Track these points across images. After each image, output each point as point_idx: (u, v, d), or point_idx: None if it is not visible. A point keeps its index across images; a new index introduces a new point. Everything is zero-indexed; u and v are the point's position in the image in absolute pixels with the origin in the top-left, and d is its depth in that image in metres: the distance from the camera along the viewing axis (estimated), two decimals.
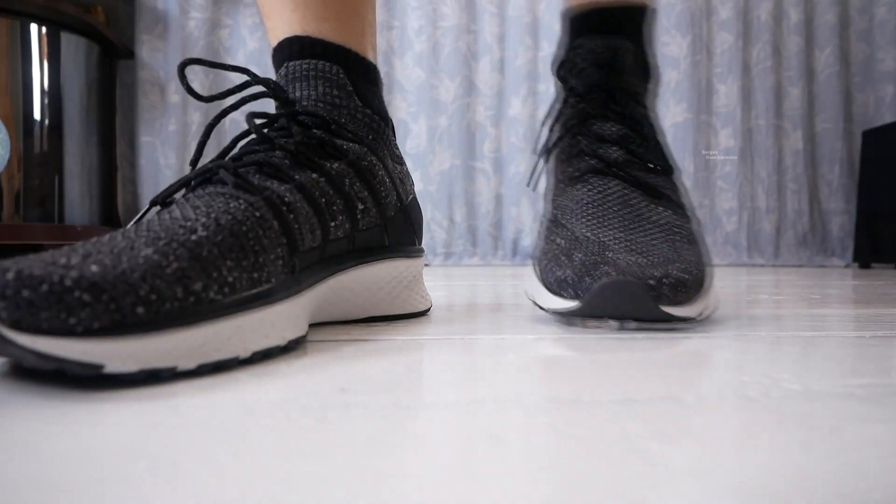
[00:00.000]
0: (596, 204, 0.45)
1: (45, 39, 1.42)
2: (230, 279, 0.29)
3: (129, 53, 1.71)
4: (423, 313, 0.49)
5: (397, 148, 0.47)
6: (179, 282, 0.27)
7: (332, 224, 0.37)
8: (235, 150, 0.37)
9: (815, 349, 0.34)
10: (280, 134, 0.38)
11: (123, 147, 1.78)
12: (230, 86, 0.41)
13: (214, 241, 0.29)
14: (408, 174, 0.47)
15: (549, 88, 1.88)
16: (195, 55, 1.74)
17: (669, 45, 1.91)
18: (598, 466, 0.16)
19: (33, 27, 1.39)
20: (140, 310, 0.25)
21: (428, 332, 0.40)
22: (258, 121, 0.38)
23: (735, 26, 1.94)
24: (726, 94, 1.96)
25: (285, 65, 0.42)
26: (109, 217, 1.64)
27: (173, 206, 0.32)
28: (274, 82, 0.40)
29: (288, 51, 0.42)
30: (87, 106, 1.53)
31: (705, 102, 1.94)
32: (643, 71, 0.50)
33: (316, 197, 0.36)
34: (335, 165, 0.38)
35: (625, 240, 0.42)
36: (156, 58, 1.74)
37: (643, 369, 0.28)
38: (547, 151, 0.50)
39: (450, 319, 0.46)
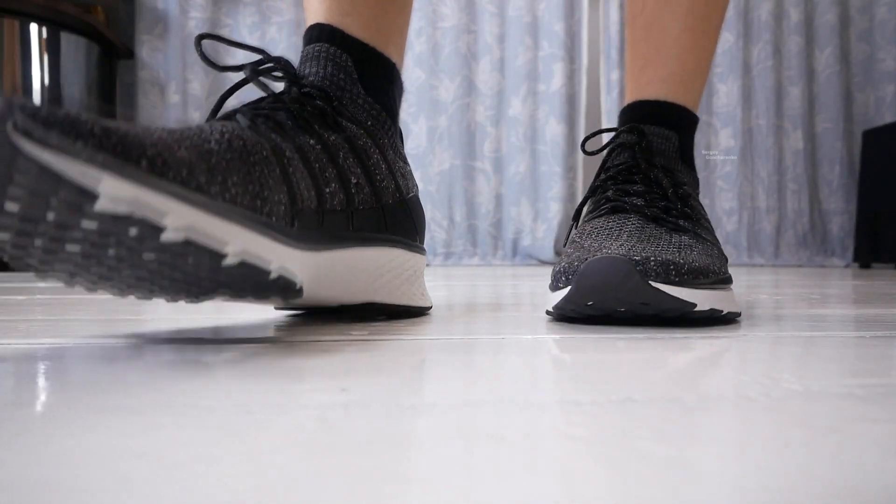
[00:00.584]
0: (612, 228, 0.46)
1: (45, 39, 1.42)
2: (234, 191, 0.30)
3: (129, 53, 1.71)
4: (424, 311, 0.49)
5: (401, 148, 0.48)
6: (184, 165, 0.27)
7: (327, 190, 0.38)
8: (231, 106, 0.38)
9: (815, 349, 0.34)
10: (285, 98, 0.40)
11: None
12: (231, 85, 0.43)
13: (224, 156, 0.30)
14: (410, 174, 0.49)
15: (548, 88, 1.88)
16: (195, 55, 1.74)
17: None
18: (598, 466, 0.16)
19: (33, 27, 1.39)
20: (144, 163, 0.25)
21: (428, 332, 0.40)
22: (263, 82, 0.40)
23: (735, 26, 1.94)
24: (726, 94, 1.96)
25: (304, 48, 0.46)
26: None
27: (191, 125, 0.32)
28: (284, 59, 0.41)
29: (308, 35, 0.46)
30: (87, 106, 1.53)
31: (705, 102, 1.94)
32: (683, 160, 0.53)
33: (311, 160, 0.37)
34: (331, 137, 0.40)
35: (629, 246, 0.42)
36: (156, 58, 1.74)
37: (643, 369, 0.28)
38: (578, 214, 0.52)
39: (450, 319, 0.46)
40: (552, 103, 1.87)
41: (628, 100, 0.56)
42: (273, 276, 0.31)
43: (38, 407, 0.22)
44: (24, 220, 0.25)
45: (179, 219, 0.26)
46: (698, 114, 0.57)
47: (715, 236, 0.49)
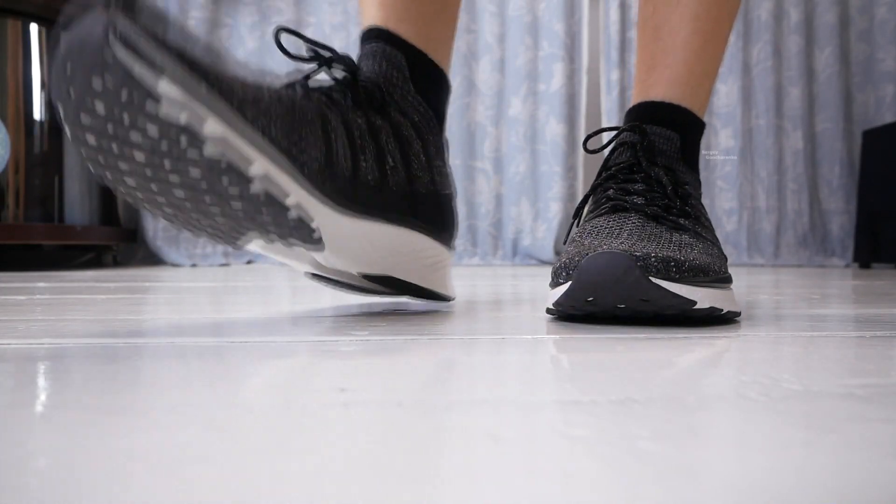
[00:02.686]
0: (612, 226, 0.46)
1: (45, 39, 1.42)
2: (274, 132, 0.34)
3: None
4: (444, 299, 0.52)
5: (444, 151, 0.52)
6: (239, 83, 0.33)
7: (363, 163, 0.42)
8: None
9: (815, 349, 0.34)
10: (341, 84, 0.45)
11: None
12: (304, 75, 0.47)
13: (273, 103, 0.35)
14: (448, 177, 0.52)
15: (549, 88, 1.88)
16: None
17: None
18: (598, 466, 0.16)
19: (33, 27, 1.39)
20: (205, 83, 0.31)
21: (428, 332, 0.40)
22: (323, 77, 0.45)
23: (735, 26, 1.94)
24: (726, 94, 1.96)
25: (362, 47, 0.50)
26: (109, 217, 1.64)
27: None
28: (347, 56, 0.46)
29: (365, 35, 0.51)
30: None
31: None
32: (686, 162, 0.53)
33: (353, 133, 0.42)
34: (377, 120, 0.45)
35: (629, 244, 0.42)
36: None
37: (643, 369, 0.28)
38: (578, 212, 0.53)
39: (450, 319, 0.46)
40: (552, 103, 1.87)
41: (634, 101, 0.56)
42: (292, 214, 0.35)
43: (38, 407, 0.22)
44: (106, 121, 0.29)
45: (216, 128, 0.31)
46: (703, 117, 0.57)
47: (715, 236, 0.49)
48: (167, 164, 0.31)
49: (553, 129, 1.87)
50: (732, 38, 1.94)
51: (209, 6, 1.76)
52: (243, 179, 0.33)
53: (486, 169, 1.90)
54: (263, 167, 0.33)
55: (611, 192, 0.49)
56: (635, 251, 0.38)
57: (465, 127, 1.89)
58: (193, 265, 1.66)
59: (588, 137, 0.54)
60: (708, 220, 0.50)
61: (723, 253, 0.47)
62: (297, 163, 0.36)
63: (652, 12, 0.56)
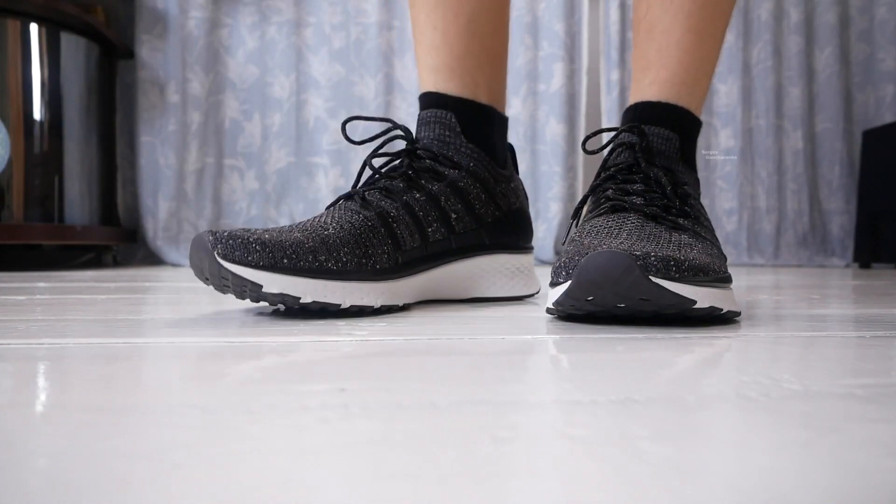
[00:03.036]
0: (611, 226, 0.46)
1: (45, 39, 1.42)
2: (344, 259, 0.46)
3: (129, 53, 1.71)
4: (527, 296, 0.61)
5: (508, 170, 0.61)
6: (311, 253, 0.45)
7: (430, 229, 0.53)
8: (366, 177, 0.55)
9: (815, 349, 0.34)
10: (400, 165, 0.55)
11: (123, 147, 1.78)
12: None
13: (338, 236, 0.47)
14: (515, 191, 0.61)
15: (549, 88, 1.88)
16: (195, 55, 1.74)
17: None
18: (598, 466, 0.16)
19: (33, 27, 1.39)
20: (285, 261, 0.44)
21: (428, 332, 0.40)
22: (381, 160, 0.58)
23: (735, 26, 1.94)
24: (726, 94, 1.95)
25: (420, 113, 0.60)
26: (109, 217, 1.64)
27: (323, 213, 0.50)
28: (405, 128, 0.56)
29: (423, 102, 0.60)
30: (87, 106, 1.53)
31: (705, 102, 1.94)
32: (684, 162, 0.54)
33: (416, 211, 0.52)
34: (434, 187, 0.54)
35: (629, 244, 0.42)
36: (156, 57, 1.74)
37: (643, 369, 0.28)
38: (577, 212, 0.53)
39: (450, 319, 0.46)
40: (552, 103, 1.87)
41: (631, 101, 0.56)
42: (376, 306, 0.48)
43: (38, 407, 0.22)
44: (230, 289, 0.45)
45: (307, 295, 0.44)
46: (700, 115, 0.57)
47: (714, 235, 0.49)
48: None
49: (553, 129, 1.87)
50: (732, 38, 1.94)
51: (209, 6, 1.76)
52: (333, 306, 0.45)
53: None
54: (342, 299, 0.46)
55: (610, 192, 0.49)
56: (635, 250, 0.38)
57: None
58: None
59: (587, 138, 0.54)
60: (707, 219, 0.50)
61: (722, 253, 0.47)
62: (367, 271, 0.48)
63: (645, 12, 0.56)
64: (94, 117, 1.56)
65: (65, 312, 0.50)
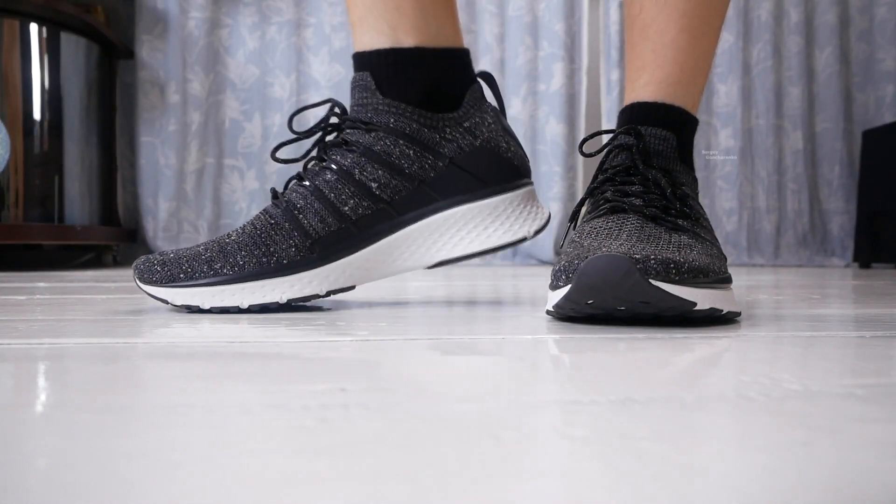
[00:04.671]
0: (611, 228, 0.46)
1: (45, 39, 1.41)
2: (241, 262, 0.49)
3: (129, 53, 1.71)
4: (519, 241, 0.54)
5: (460, 111, 0.54)
6: (206, 263, 0.49)
7: (346, 208, 0.51)
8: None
9: (815, 349, 0.34)
10: (313, 146, 0.54)
11: (123, 147, 1.78)
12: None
13: (237, 241, 0.50)
14: (472, 129, 0.54)
15: (549, 88, 1.88)
16: (195, 55, 1.74)
17: None
18: (598, 466, 0.16)
19: (33, 27, 1.39)
20: (181, 276, 0.49)
21: (428, 332, 0.40)
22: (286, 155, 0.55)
23: (735, 26, 1.94)
24: (726, 94, 1.95)
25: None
26: (109, 217, 1.64)
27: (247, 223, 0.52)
28: (341, 105, 0.55)
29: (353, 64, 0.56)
30: (87, 106, 1.53)
31: (705, 102, 1.94)
32: (682, 161, 0.53)
33: (326, 194, 0.51)
34: (347, 160, 0.52)
35: (629, 246, 0.42)
36: (156, 58, 1.74)
37: (643, 369, 0.28)
38: (575, 214, 0.53)
39: (450, 319, 0.46)
40: (552, 103, 1.87)
41: (627, 102, 0.56)
42: (281, 301, 0.50)
43: (38, 407, 0.22)
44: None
45: (206, 302, 0.49)
46: (698, 114, 0.57)
47: (714, 236, 0.49)
48: None
49: (553, 130, 1.87)
50: (732, 38, 1.94)
51: (209, 6, 1.76)
52: (232, 308, 0.49)
53: None
54: (240, 300, 0.49)
55: (608, 193, 0.49)
56: (635, 253, 0.38)
57: None
58: None
59: (584, 140, 0.54)
60: (707, 220, 0.50)
61: (722, 253, 0.47)
62: (270, 270, 0.49)
63: (639, 12, 0.56)
64: (94, 117, 1.56)
65: (65, 312, 0.50)
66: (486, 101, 0.56)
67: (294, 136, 0.55)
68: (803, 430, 0.19)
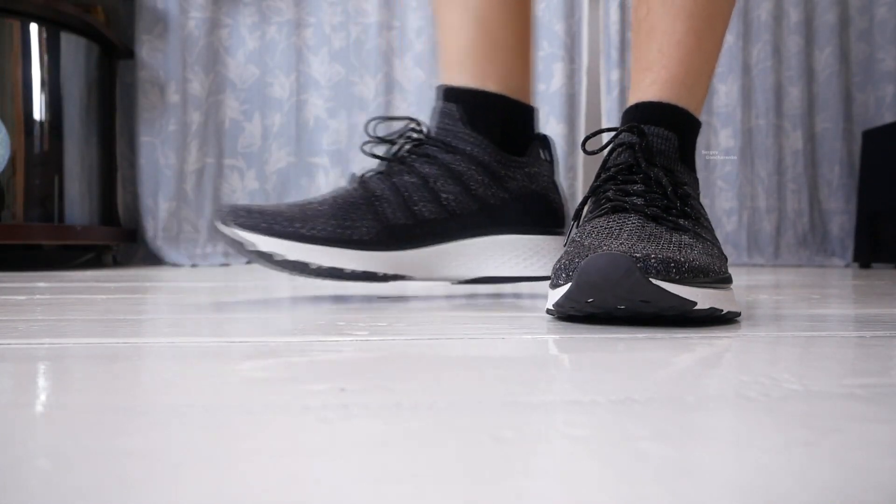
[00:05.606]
0: (612, 227, 0.46)
1: (45, 39, 1.42)
2: (319, 227, 0.55)
3: (129, 53, 1.71)
4: (540, 279, 0.62)
5: (526, 157, 0.64)
6: (288, 220, 0.54)
7: (415, 208, 0.58)
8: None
9: (815, 349, 0.34)
10: (398, 150, 0.62)
11: (123, 147, 1.78)
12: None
13: (319, 208, 0.56)
14: (532, 175, 0.63)
15: (548, 88, 1.88)
16: (195, 55, 1.74)
17: None
18: (598, 466, 0.16)
19: (33, 27, 1.39)
20: (263, 225, 0.54)
21: (428, 332, 0.40)
22: (381, 148, 0.63)
23: (735, 26, 1.94)
24: (726, 94, 1.95)
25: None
26: (109, 217, 1.64)
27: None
28: (420, 122, 0.64)
29: (436, 95, 0.66)
30: (87, 106, 1.53)
31: (705, 102, 1.94)
32: (684, 162, 0.53)
33: (401, 192, 0.59)
34: (426, 169, 0.60)
35: (629, 245, 0.42)
36: (156, 58, 1.74)
37: (643, 369, 0.28)
38: (578, 213, 0.53)
39: (450, 319, 0.46)
40: (552, 103, 1.87)
41: (631, 101, 0.56)
42: (347, 271, 0.55)
43: (38, 407, 0.22)
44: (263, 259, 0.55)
45: (282, 251, 0.54)
46: (699, 116, 0.57)
47: (714, 236, 0.49)
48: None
49: (553, 129, 1.87)
50: (732, 38, 1.94)
51: (209, 6, 1.76)
52: (300, 264, 0.54)
53: None
54: (317, 261, 0.54)
55: (610, 192, 0.49)
56: (635, 252, 0.38)
57: None
58: (193, 265, 1.66)
59: (587, 138, 0.54)
60: (707, 220, 0.50)
61: (723, 253, 0.47)
62: (343, 240, 0.55)
63: (646, 13, 0.56)
64: (94, 117, 1.56)
65: (65, 312, 0.50)
66: (543, 157, 0.66)
67: (374, 139, 0.63)
68: (803, 430, 0.19)
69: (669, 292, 0.38)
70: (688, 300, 0.38)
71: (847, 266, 1.90)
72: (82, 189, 1.51)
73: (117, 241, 1.60)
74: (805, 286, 0.89)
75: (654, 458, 0.17)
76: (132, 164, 1.77)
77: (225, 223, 0.53)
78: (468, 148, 0.61)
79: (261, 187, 1.79)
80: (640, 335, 0.38)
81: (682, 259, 0.39)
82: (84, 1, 1.58)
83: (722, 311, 0.41)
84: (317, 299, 0.62)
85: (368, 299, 0.61)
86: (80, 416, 0.20)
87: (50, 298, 0.63)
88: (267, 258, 0.53)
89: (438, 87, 0.65)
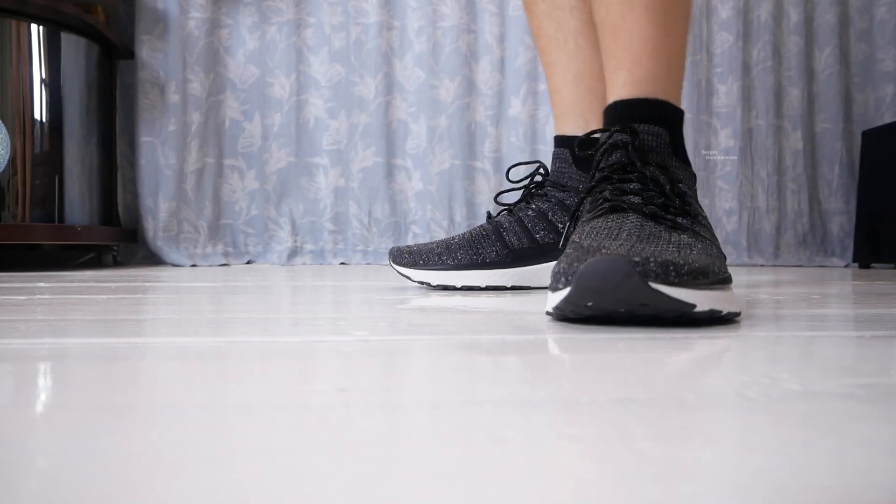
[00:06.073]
0: (611, 227, 0.46)
1: (45, 39, 1.42)
2: (459, 257, 0.74)
3: (129, 53, 1.71)
4: None
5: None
6: (436, 255, 0.75)
7: (537, 235, 0.76)
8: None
9: (815, 349, 0.34)
10: (526, 191, 0.80)
11: (123, 147, 1.78)
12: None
13: (458, 243, 0.75)
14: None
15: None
16: (195, 55, 1.74)
17: None
18: (598, 467, 0.16)
19: (33, 27, 1.39)
20: (420, 262, 0.75)
21: (428, 332, 0.40)
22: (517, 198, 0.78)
23: (735, 26, 1.94)
24: (726, 94, 1.95)
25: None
26: (109, 217, 1.64)
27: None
28: (545, 166, 0.82)
29: (554, 143, 0.82)
30: (87, 106, 1.53)
31: (705, 102, 1.94)
32: (677, 156, 0.53)
33: (524, 222, 0.77)
34: (544, 205, 0.77)
35: (628, 246, 0.42)
36: (156, 58, 1.74)
37: (643, 369, 0.28)
38: (574, 214, 0.55)
39: (449, 319, 0.46)
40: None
41: (609, 100, 0.56)
42: (482, 287, 0.74)
43: (38, 407, 0.22)
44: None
45: (433, 280, 0.75)
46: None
47: (713, 234, 0.49)
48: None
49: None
50: (732, 38, 1.94)
51: (209, 6, 1.76)
52: (451, 287, 0.75)
53: (485, 169, 1.90)
54: (454, 281, 0.74)
55: (607, 192, 0.49)
56: (634, 255, 0.38)
57: (465, 127, 1.89)
58: (193, 265, 1.66)
59: (579, 141, 0.55)
60: (705, 217, 0.50)
61: (721, 252, 0.47)
62: (477, 265, 0.74)
63: (606, 13, 0.56)
64: (94, 117, 1.56)
65: (65, 312, 0.50)
66: None
67: (512, 184, 0.84)
68: (803, 430, 0.19)
69: (668, 296, 0.37)
70: (687, 303, 0.38)
71: (847, 266, 1.90)
72: (82, 189, 1.51)
73: (117, 241, 1.60)
74: (805, 286, 0.89)
75: (654, 458, 0.17)
76: (132, 164, 1.77)
77: (396, 263, 0.76)
78: (579, 186, 0.77)
79: (261, 187, 1.79)
80: (639, 335, 0.38)
81: (682, 261, 0.39)
82: (84, 1, 1.58)
83: (722, 311, 0.41)
84: (317, 299, 0.62)
85: (368, 300, 0.61)
86: (80, 416, 0.20)
87: (50, 298, 0.63)
88: (426, 284, 0.75)
89: (555, 137, 0.81)
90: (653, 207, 0.46)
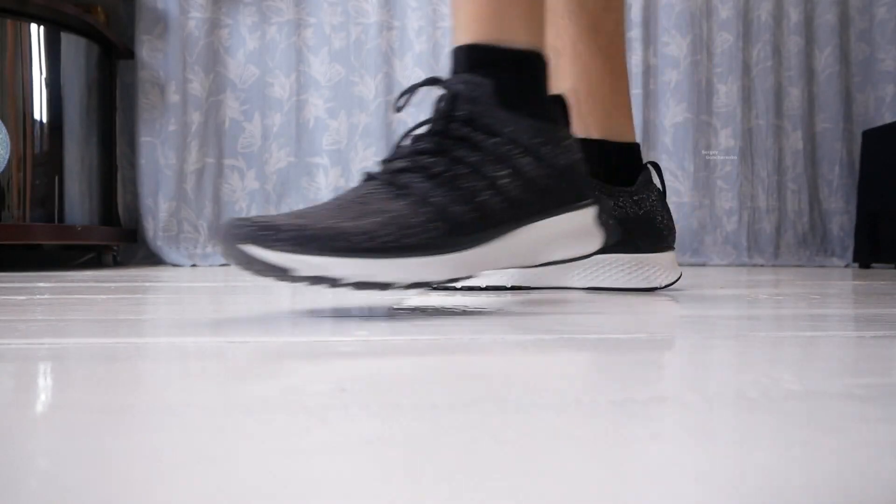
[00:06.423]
0: (338, 199, 0.47)
1: (45, 39, 1.42)
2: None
3: (129, 53, 1.71)
4: (651, 289, 0.71)
5: (620, 191, 0.72)
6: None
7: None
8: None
9: (815, 349, 0.34)
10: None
11: (123, 147, 1.78)
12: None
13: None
14: (633, 202, 0.72)
15: None
16: (195, 55, 1.74)
17: (669, 45, 1.91)
18: (598, 467, 0.16)
19: (33, 27, 1.39)
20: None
21: (427, 332, 0.40)
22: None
23: (735, 26, 1.94)
24: (726, 94, 1.95)
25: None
26: (109, 217, 1.64)
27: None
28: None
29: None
30: (87, 106, 1.53)
31: (705, 102, 1.94)
32: (509, 105, 0.49)
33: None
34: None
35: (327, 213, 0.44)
36: (156, 58, 1.74)
37: (643, 369, 0.28)
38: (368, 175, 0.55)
39: (450, 319, 0.46)
40: None
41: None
42: (483, 287, 0.70)
43: (38, 407, 0.22)
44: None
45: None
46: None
47: (474, 198, 0.46)
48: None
49: None
50: (732, 38, 1.94)
51: (209, 6, 1.76)
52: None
53: None
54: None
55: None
56: (262, 220, 0.41)
57: None
58: (193, 265, 1.66)
59: (400, 97, 0.53)
60: (495, 174, 0.47)
61: (447, 221, 0.45)
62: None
63: None
64: (94, 117, 1.56)
65: (65, 312, 0.50)
66: (654, 183, 0.73)
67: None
68: (804, 431, 0.19)
69: (254, 256, 0.40)
70: (278, 267, 0.40)
71: (847, 266, 1.90)
72: (82, 189, 1.51)
73: (117, 241, 1.60)
74: (805, 286, 0.89)
75: (654, 458, 0.17)
76: (132, 164, 1.77)
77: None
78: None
79: (261, 187, 1.79)
80: (640, 335, 0.38)
81: (279, 222, 0.41)
82: (84, 1, 1.58)
83: (342, 280, 0.42)
84: (316, 299, 0.62)
85: (369, 299, 0.61)
86: (80, 416, 0.20)
87: (50, 298, 0.63)
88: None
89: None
90: (395, 174, 0.47)
